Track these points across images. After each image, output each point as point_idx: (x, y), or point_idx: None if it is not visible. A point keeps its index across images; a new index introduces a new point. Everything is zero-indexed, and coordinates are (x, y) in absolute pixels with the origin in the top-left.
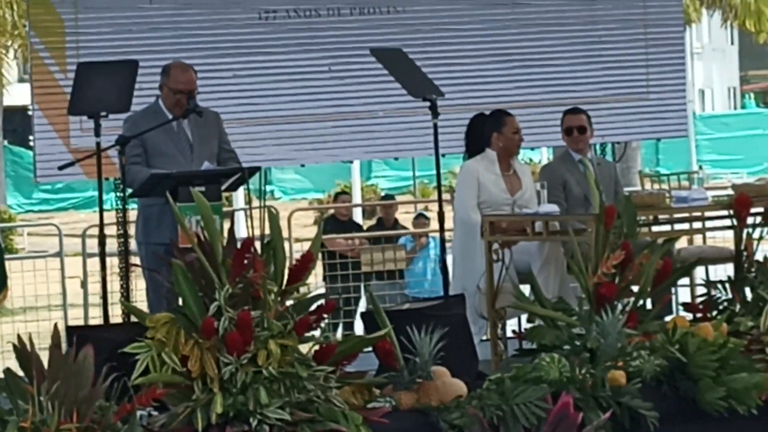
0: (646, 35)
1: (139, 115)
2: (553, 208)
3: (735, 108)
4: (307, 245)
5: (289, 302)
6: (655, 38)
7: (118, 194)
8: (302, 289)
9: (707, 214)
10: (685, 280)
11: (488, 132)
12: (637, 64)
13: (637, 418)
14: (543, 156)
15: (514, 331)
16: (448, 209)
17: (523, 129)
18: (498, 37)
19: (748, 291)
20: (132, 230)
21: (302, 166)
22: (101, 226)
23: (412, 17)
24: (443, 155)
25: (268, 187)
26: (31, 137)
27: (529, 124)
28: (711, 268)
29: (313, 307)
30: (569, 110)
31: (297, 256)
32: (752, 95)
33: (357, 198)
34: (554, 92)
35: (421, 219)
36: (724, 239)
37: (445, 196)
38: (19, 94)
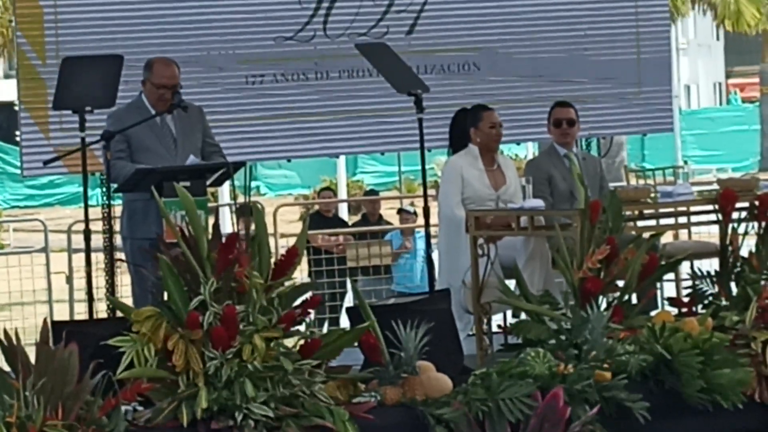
0: (633, 31)
1: (122, 111)
2: (539, 203)
3: (720, 104)
4: (292, 241)
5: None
6: (642, 34)
7: (103, 190)
8: (287, 284)
9: (692, 209)
10: (670, 275)
11: (468, 127)
12: (624, 60)
13: (625, 412)
14: (528, 151)
15: (499, 326)
16: (433, 205)
17: (509, 124)
18: (485, 31)
19: (733, 286)
20: (117, 226)
21: (288, 160)
22: (86, 221)
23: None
24: (429, 150)
25: (254, 183)
26: (17, 132)
27: (515, 118)
28: (696, 263)
29: (299, 301)
30: (558, 103)
31: (282, 251)
32: (738, 91)
33: (342, 194)
34: (541, 87)
35: (403, 214)
36: (710, 234)
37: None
38: (4, 90)
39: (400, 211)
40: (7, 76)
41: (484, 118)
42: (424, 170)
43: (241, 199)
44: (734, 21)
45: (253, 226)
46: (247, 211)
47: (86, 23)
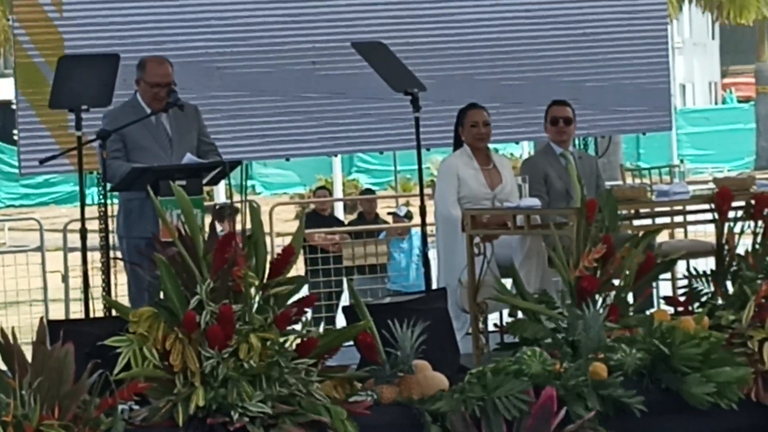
0: (631, 30)
1: (118, 110)
2: (535, 201)
3: (716, 103)
4: (288, 240)
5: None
6: (639, 33)
7: (100, 189)
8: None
9: (689, 207)
10: (667, 274)
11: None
12: (621, 58)
13: (621, 410)
14: (524, 150)
15: (495, 325)
16: (429, 204)
17: (510, 123)
18: (483, 31)
19: (729, 285)
20: (113, 225)
21: (287, 159)
22: (83, 220)
23: (394, 8)
24: (427, 149)
25: (250, 182)
26: (15, 131)
27: (516, 117)
28: (692, 262)
29: (295, 299)
30: (555, 101)
31: (278, 250)
32: (733, 89)
33: (338, 193)
34: (538, 85)
35: (395, 218)
36: (706, 233)
37: (427, 190)
38: (1, 89)
39: (391, 214)
40: (3, 75)
41: (466, 116)
42: (420, 169)
43: (237, 198)
44: (737, 14)
45: (248, 226)
46: (228, 213)
47: (85, 23)
